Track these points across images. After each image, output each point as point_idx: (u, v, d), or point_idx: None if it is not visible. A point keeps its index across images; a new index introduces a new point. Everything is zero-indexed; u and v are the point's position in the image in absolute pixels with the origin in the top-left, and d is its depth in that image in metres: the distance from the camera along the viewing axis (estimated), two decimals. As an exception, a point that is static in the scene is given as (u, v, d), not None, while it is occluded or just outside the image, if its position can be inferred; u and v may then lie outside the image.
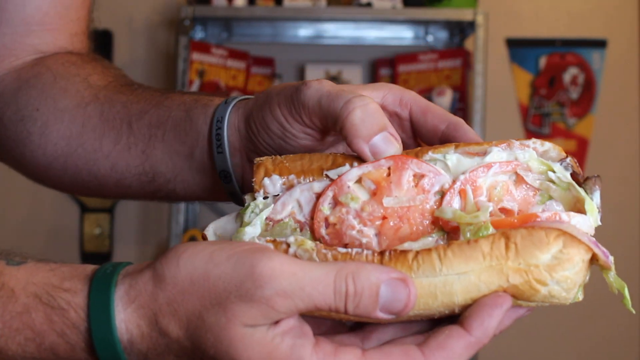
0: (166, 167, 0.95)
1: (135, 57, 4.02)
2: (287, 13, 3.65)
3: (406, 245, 0.69)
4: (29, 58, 1.06)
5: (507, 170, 0.71)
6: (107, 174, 0.99)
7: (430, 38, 3.98)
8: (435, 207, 0.70)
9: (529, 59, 4.10)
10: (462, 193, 0.70)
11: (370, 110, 0.73)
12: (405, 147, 0.83)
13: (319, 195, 0.73)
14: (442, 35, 3.96)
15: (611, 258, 0.68)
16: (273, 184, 0.76)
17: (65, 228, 3.98)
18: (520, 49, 4.10)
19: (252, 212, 0.75)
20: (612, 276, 0.69)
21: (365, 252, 0.68)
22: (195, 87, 3.68)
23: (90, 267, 0.67)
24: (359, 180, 0.72)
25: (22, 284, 0.66)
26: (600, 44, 4.09)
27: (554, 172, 0.71)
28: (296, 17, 3.72)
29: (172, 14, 3.98)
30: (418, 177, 0.71)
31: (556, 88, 4.09)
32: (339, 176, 0.73)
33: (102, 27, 3.90)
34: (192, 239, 3.65)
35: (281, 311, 0.62)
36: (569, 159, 0.73)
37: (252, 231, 0.73)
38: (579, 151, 4.07)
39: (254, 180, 0.77)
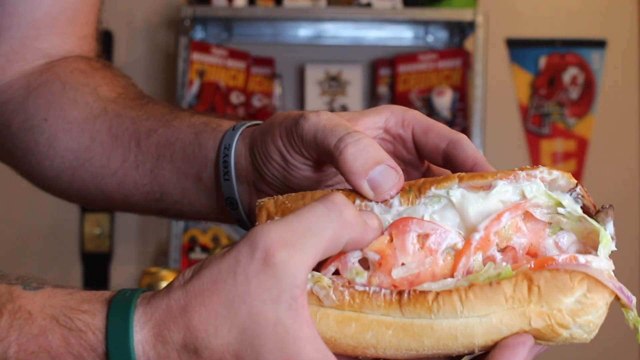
0: (174, 188, 0.94)
1: (135, 57, 4.02)
2: (287, 13, 3.65)
3: (425, 286, 0.68)
4: (37, 62, 1.05)
5: (517, 214, 0.69)
6: (115, 190, 0.98)
7: (430, 38, 3.98)
8: (446, 263, 0.69)
9: (528, 59, 4.10)
10: (477, 250, 0.69)
11: (363, 145, 0.71)
12: (413, 166, 0.82)
13: None
14: (442, 35, 3.96)
15: (634, 300, 0.67)
16: None
17: (65, 228, 3.98)
18: (520, 49, 4.10)
19: None
20: (632, 315, 0.67)
21: (383, 291, 0.67)
22: (195, 87, 3.68)
23: (108, 292, 0.66)
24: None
25: (40, 307, 0.65)
26: (600, 44, 4.09)
27: (563, 207, 0.69)
28: (296, 17, 3.72)
29: (172, 14, 3.98)
30: (422, 237, 0.69)
31: (556, 88, 4.09)
32: (342, 253, 0.70)
33: (102, 28, 3.89)
34: (192, 239, 3.65)
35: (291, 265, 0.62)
36: (578, 189, 0.70)
37: None
38: (579, 151, 4.07)
39: (257, 224, 0.75)
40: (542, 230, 0.70)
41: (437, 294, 0.65)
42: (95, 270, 4.00)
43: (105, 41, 4.21)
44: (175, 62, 3.69)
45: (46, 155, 1.01)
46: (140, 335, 0.63)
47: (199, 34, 3.84)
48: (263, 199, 0.75)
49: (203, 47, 3.73)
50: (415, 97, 3.82)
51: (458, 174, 0.71)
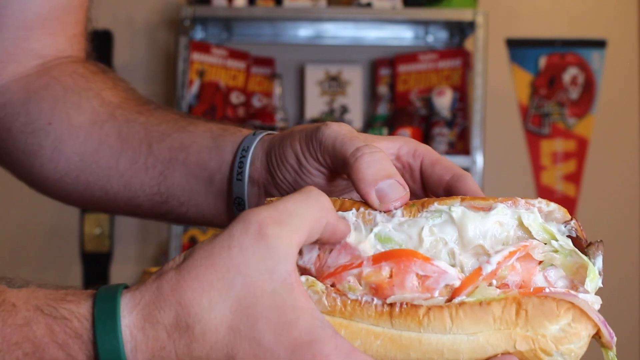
0: (182, 190, 0.96)
1: (135, 57, 4.02)
2: (287, 13, 3.65)
3: (416, 300, 0.69)
4: (31, 64, 1.05)
5: (522, 255, 0.71)
6: (120, 192, 0.99)
7: (430, 38, 3.98)
8: (441, 294, 0.70)
9: (528, 59, 4.10)
10: (483, 281, 0.70)
11: (377, 157, 0.75)
12: (415, 196, 0.84)
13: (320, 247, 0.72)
14: (442, 35, 3.96)
15: (615, 339, 0.69)
16: None
17: (65, 228, 3.98)
18: (520, 49, 4.10)
19: None
20: (611, 355, 0.69)
21: (375, 301, 0.68)
22: (195, 87, 3.68)
23: (92, 290, 0.66)
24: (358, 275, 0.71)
25: (24, 299, 0.64)
26: (600, 44, 4.09)
27: (556, 240, 0.71)
28: (296, 17, 3.72)
29: (172, 14, 3.98)
30: (422, 278, 0.70)
31: (556, 88, 4.09)
32: (342, 267, 0.71)
33: (102, 27, 3.90)
34: (192, 239, 3.65)
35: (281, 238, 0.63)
36: (572, 222, 0.73)
37: None
38: (579, 151, 4.07)
39: None
40: (534, 268, 0.71)
41: (429, 308, 0.67)
42: (95, 270, 4.00)
43: (105, 41, 4.23)
44: (175, 62, 3.69)
45: (50, 158, 1.01)
46: (128, 319, 0.62)
47: (199, 34, 3.85)
48: (272, 198, 0.78)
49: (203, 47, 3.73)
50: (415, 97, 3.82)
51: (461, 195, 0.74)
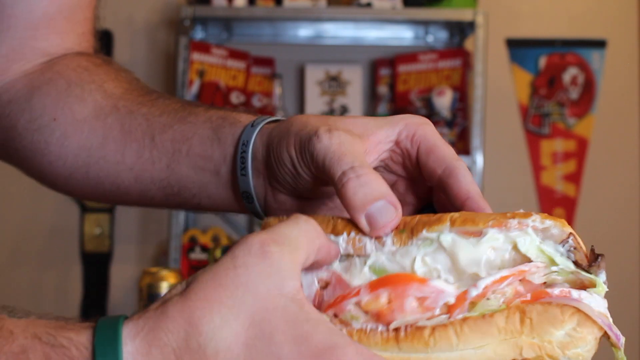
0: (192, 182, 0.94)
1: (135, 57, 4.02)
2: (287, 13, 3.65)
3: (420, 321, 0.69)
4: (38, 61, 1.04)
5: (521, 279, 0.70)
6: (131, 185, 0.98)
7: (430, 38, 3.99)
8: (442, 311, 0.70)
9: (528, 59, 4.10)
10: (470, 303, 0.70)
11: (364, 180, 0.73)
12: (415, 182, 0.84)
13: (319, 281, 0.73)
14: (442, 35, 3.96)
15: (622, 340, 0.69)
16: None
17: (65, 228, 3.98)
18: (520, 49, 4.10)
19: None
20: (620, 355, 0.69)
21: (380, 328, 0.68)
22: (195, 87, 3.68)
23: (93, 322, 0.64)
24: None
25: (23, 327, 0.62)
26: (600, 44, 4.09)
27: (556, 264, 0.70)
28: (296, 17, 3.73)
29: (172, 14, 3.98)
30: (421, 299, 0.70)
31: (556, 88, 4.09)
32: (341, 297, 0.71)
33: (102, 27, 3.90)
34: (192, 239, 3.65)
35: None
36: (571, 240, 0.71)
37: None
38: (579, 151, 4.07)
39: None
40: (539, 288, 0.71)
41: (433, 328, 0.67)
42: (95, 270, 4.00)
43: (105, 41, 4.22)
44: (175, 62, 3.70)
45: (58, 155, 1.00)
46: (131, 346, 0.60)
47: (199, 34, 3.85)
48: (268, 218, 0.78)
49: (203, 47, 3.73)
50: (415, 97, 3.82)
51: (450, 215, 0.72)
